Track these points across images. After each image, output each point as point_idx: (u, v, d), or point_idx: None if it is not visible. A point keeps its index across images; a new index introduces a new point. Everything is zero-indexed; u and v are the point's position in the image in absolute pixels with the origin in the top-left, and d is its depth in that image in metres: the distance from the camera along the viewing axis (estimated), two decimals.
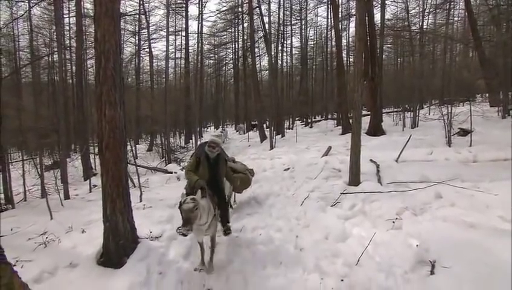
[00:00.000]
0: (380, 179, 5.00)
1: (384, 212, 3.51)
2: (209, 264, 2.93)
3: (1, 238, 3.12)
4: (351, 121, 8.97)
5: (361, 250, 2.74)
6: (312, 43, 25.82)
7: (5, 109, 6.32)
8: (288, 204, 4.48)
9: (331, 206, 4.08)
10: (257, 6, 16.02)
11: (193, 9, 47.18)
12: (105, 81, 3.18)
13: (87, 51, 14.92)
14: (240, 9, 20.29)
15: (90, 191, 7.14)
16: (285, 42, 23.91)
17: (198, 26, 19.40)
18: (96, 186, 7.24)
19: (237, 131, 23.15)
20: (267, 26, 15.70)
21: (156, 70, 23.15)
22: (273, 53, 20.74)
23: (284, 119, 18.03)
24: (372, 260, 2.61)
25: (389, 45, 21.43)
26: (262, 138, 13.74)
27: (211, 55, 29.29)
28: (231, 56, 28.14)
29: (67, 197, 6.42)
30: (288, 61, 25.37)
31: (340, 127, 14.85)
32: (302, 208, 4.17)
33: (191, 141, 16.84)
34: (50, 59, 17.02)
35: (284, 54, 24.44)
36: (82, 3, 12.08)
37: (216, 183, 3.28)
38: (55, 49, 12.90)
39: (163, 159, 11.99)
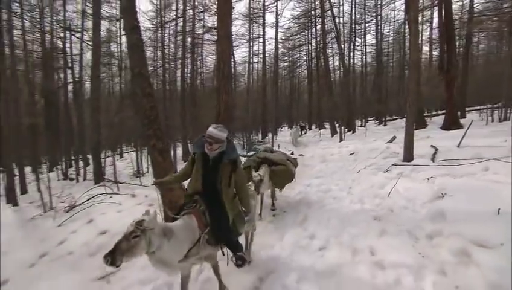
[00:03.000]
0: (433, 159, 5.69)
1: (424, 176, 4.43)
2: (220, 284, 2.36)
3: None
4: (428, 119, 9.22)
5: (393, 192, 3.88)
6: (389, 39, 24.99)
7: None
8: (347, 173, 5.72)
9: (383, 172, 5.12)
10: (329, 9, 16.97)
11: (269, 17, 50.33)
12: (223, 77, 5.17)
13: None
14: (313, 12, 21.52)
15: None
16: (360, 40, 23.97)
17: (275, 32, 21.54)
18: None
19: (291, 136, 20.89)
20: (340, 26, 16.51)
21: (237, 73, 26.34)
22: (346, 52, 21.33)
23: (355, 118, 18.39)
24: (400, 195, 3.74)
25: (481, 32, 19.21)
26: (333, 132, 14.70)
27: (285, 58, 31.23)
28: (305, 58, 29.49)
29: None
30: (362, 59, 25.19)
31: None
32: (358, 174, 5.36)
33: (267, 137, 18.90)
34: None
35: (357, 52, 24.45)
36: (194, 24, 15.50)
37: (213, 195, 2.26)
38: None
39: (244, 149, 14.30)
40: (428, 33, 21.77)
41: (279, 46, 26.96)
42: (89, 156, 14.75)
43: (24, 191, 9.63)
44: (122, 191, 7.13)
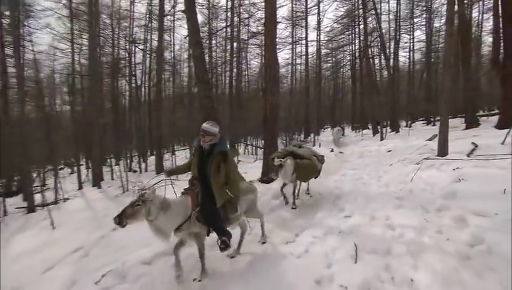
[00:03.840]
0: (470, 154, 5.86)
1: (452, 168, 4.78)
2: (202, 270, 2.63)
3: None
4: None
5: (417, 179, 4.38)
6: (441, 34, 23.52)
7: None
8: (380, 166, 6.24)
9: (414, 164, 5.52)
10: (372, 8, 16.89)
11: (312, 19, 50.13)
12: (269, 80, 6.08)
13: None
14: (356, 12, 21.43)
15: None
16: (408, 36, 23.04)
17: (316, 34, 22.01)
18: None
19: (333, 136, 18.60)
20: (385, 24, 16.36)
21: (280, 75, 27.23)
22: (391, 50, 20.79)
23: (399, 117, 17.92)
24: (422, 181, 4.27)
25: None
26: (375, 132, 14.73)
27: (329, 58, 31.23)
28: (348, 58, 29.20)
29: None
30: (410, 56, 24.12)
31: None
32: (389, 167, 5.87)
33: (309, 137, 19.43)
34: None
35: (404, 50, 23.54)
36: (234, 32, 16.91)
37: (206, 180, 2.68)
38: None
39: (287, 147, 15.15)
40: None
41: (322, 47, 27.21)
42: (148, 152, 17.01)
43: (101, 178, 11.70)
44: (180, 178, 8.53)
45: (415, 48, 23.97)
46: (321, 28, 22.14)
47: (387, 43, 20.65)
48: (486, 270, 2.06)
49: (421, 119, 21.71)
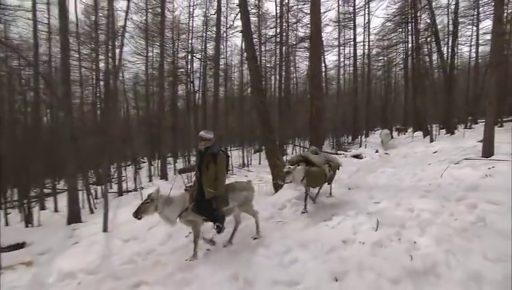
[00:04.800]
0: None
1: (490, 166, 5.08)
2: (193, 253, 3.40)
3: None
4: None
5: (448, 176, 4.85)
6: None
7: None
8: (420, 165, 6.63)
9: (454, 164, 5.83)
10: (426, 5, 16.29)
11: (360, 19, 48.36)
12: (314, 87, 6.97)
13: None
14: (408, 9, 20.68)
15: None
16: (472, 28, 21.29)
17: (363, 34, 21.77)
18: None
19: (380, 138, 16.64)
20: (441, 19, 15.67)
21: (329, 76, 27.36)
22: (448, 47, 19.53)
23: (456, 118, 16.86)
24: (452, 177, 4.72)
25: None
26: (425, 133, 14.32)
27: (380, 58, 30.24)
28: (401, 56, 27.93)
29: None
30: (471, 52, 22.23)
31: None
32: (428, 166, 6.24)
33: (357, 139, 19.40)
34: None
35: (465, 44, 21.80)
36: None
37: (200, 177, 3.40)
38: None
39: (334, 148, 15.58)
40: None
41: (373, 46, 26.62)
42: None
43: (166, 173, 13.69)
44: (237, 174, 9.84)
45: (480, 41, 22.04)
46: (370, 27, 21.81)
47: (446, 38, 19.50)
48: (475, 237, 2.71)
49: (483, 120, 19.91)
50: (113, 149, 11.95)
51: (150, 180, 12.94)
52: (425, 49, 19.39)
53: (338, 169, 5.24)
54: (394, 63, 29.67)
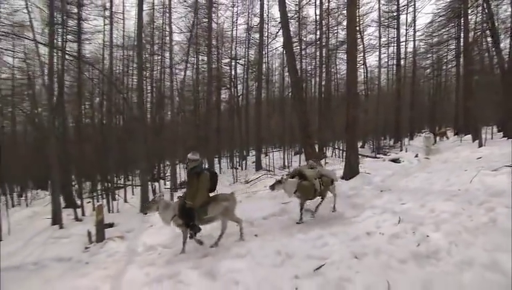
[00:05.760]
0: None
1: None
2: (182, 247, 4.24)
3: None
4: None
5: (478, 182, 5.13)
6: None
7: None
8: (456, 171, 6.79)
9: (491, 171, 5.95)
10: None
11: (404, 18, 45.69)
12: (350, 96, 7.53)
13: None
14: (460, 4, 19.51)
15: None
16: None
17: (405, 33, 21.04)
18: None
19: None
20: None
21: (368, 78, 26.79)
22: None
23: None
24: (482, 183, 4.99)
25: None
26: (475, 137, 13.62)
27: (429, 55, 28.62)
28: (453, 53, 26.15)
29: None
30: None
31: None
32: (463, 172, 6.41)
33: (399, 142, 18.93)
34: None
35: None
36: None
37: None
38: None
39: (374, 152, 15.59)
40: None
41: (419, 45, 25.47)
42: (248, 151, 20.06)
43: None
44: (278, 174, 10.70)
45: None
46: (416, 25, 21.06)
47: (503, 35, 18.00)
48: (481, 234, 3.21)
49: None
50: (171, 149, 13.73)
51: None
52: (484, 43, 17.98)
53: (332, 184, 5.31)
54: (445, 60, 27.91)
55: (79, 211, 8.99)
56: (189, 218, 4.18)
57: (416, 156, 10.44)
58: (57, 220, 7.51)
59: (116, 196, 11.30)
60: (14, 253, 5.60)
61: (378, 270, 2.79)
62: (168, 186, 12.37)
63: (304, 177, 4.85)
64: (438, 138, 17.43)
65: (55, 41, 10.06)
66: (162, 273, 3.52)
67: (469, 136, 16.50)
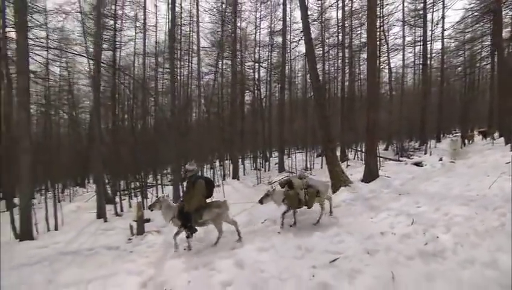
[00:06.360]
0: None
1: None
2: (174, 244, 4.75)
3: None
4: None
5: (497, 188, 5.24)
6: None
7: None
8: (479, 176, 6.81)
9: (508, 176, 5.99)
10: None
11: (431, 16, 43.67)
12: (371, 101, 7.76)
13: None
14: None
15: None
16: None
17: (431, 31, 20.37)
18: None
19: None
20: None
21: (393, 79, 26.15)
22: None
23: None
24: (500, 189, 5.10)
25: None
26: (507, 140, 13.07)
27: (460, 52, 27.37)
28: (488, 50, 24.82)
29: None
30: None
31: None
32: (486, 177, 6.44)
33: (425, 144, 18.41)
34: None
35: None
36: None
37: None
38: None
39: (397, 154, 15.41)
40: None
41: (449, 43, 24.55)
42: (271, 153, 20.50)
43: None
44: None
45: None
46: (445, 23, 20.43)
47: None
48: (488, 237, 3.46)
49: None
50: (196, 151, 14.56)
51: (224, 179, 15.09)
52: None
53: (317, 195, 5.21)
54: (479, 58, 26.56)
55: (117, 207, 9.96)
56: (186, 220, 4.74)
57: (441, 159, 10.32)
58: (101, 214, 8.49)
59: (149, 194, 12.26)
60: (70, 241, 6.53)
61: (386, 264, 3.17)
62: None
63: (292, 186, 5.13)
64: (466, 141, 16.80)
65: (90, 50, 11.02)
66: (197, 262, 4.11)
67: (501, 139, 15.81)
